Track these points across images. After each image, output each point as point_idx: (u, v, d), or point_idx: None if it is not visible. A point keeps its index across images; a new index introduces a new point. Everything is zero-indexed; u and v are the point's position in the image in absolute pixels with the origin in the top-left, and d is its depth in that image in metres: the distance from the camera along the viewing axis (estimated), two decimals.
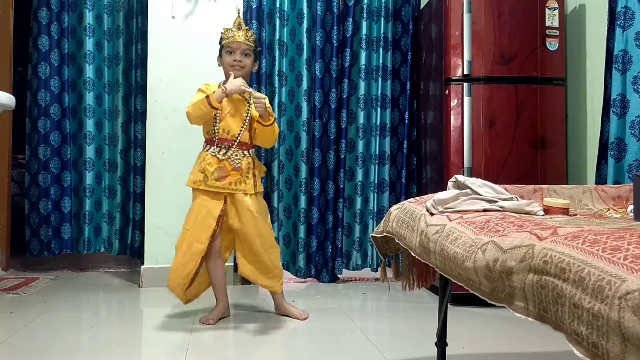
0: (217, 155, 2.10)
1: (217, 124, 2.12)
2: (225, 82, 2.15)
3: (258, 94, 2.13)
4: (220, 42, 2.20)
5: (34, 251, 3.09)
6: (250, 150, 2.18)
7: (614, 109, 2.07)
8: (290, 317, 2.24)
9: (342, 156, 3.01)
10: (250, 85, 2.82)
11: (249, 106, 2.15)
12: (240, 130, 2.12)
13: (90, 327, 2.16)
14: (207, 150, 2.14)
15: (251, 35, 2.18)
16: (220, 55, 2.20)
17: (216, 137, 2.12)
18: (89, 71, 3.11)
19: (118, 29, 3.14)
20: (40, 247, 3.08)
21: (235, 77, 2.11)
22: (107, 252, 3.19)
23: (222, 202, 2.12)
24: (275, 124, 2.20)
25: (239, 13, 2.24)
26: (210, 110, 2.07)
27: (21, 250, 3.66)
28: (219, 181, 2.09)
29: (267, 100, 2.18)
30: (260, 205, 2.20)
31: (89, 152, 3.13)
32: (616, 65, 2.07)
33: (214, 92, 2.07)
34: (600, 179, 2.14)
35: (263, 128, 2.15)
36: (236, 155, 2.12)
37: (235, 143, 2.12)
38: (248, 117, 2.14)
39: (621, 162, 2.05)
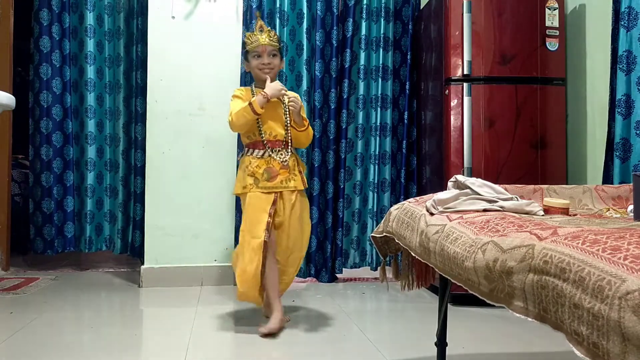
0: (264, 157, 2.13)
1: (261, 128, 2.14)
2: (257, 85, 2.20)
3: (292, 93, 2.19)
4: (243, 47, 2.23)
5: (38, 250, 3.10)
6: (292, 149, 2.21)
7: (619, 110, 2.07)
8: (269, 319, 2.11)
9: (343, 156, 3.01)
10: (250, 85, 2.83)
11: (285, 106, 2.18)
12: (286, 131, 2.16)
13: (91, 327, 2.16)
14: (251, 155, 2.15)
15: (274, 35, 2.19)
16: (246, 59, 2.23)
17: (264, 140, 2.14)
18: (90, 72, 3.10)
19: (119, 30, 3.14)
20: (44, 246, 3.09)
21: (265, 79, 2.14)
22: (109, 250, 3.20)
23: (272, 198, 2.11)
24: (310, 128, 2.23)
25: (259, 16, 2.26)
26: (253, 117, 2.09)
27: (22, 250, 3.67)
28: (270, 181, 2.12)
29: (300, 100, 2.22)
30: (303, 203, 2.24)
31: (91, 152, 3.13)
32: (620, 66, 2.07)
33: (252, 98, 2.09)
34: (607, 180, 2.14)
35: (297, 133, 2.18)
36: (282, 155, 2.15)
37: (288, 145, 2.16)
38: (288, 117, 2.17)
39: (627, 163, 2.05)
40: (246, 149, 2.19)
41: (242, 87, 2.22)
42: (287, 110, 2.16)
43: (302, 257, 2.30)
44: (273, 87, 2.12)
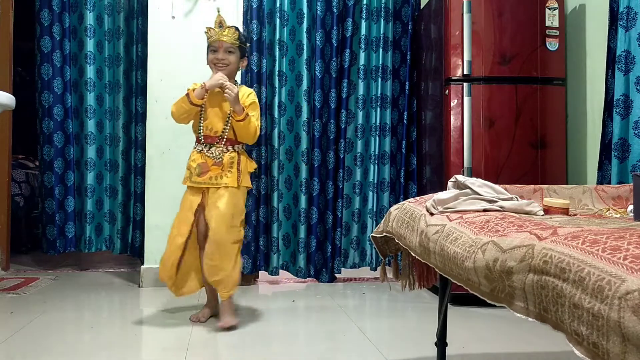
0: (201, 152, 2.14)
1: (201, 122, 2.15)
2: None
3: (231, 84, 2.09)
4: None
5: (42, 250, 3.12)
6: (237, 146, 2.18)
7: (617, 110, 2.07)
8: (218, 320, 2.14)
9: (342, 156, 3.01)
10: (250, 86, 2.83)
11: None
12: (225, 127, 2.14)
13: (91, 327, 2.16)
14: (194, 148, 2.18)
15: (234, 33, 2.15)
16: (207, 55, 2.21)
17: (201, 135, 2.15)
18: (90, 72, 3.10)
19: (118, 30, 3.14)
20: (47, 246, 3.10)
21: (217, 73, 2.13)
22: (109, 251, 3.20)
23: (199, 197, 2.15)
24: (251, 119, 2.12)
25: (218, 11, 2.21)
26: (191, 108, 2.10)
27: (24, 250, 3.68)
28: (200, 176, 2.12)
29: (252, 95, 2.19)
30: (233, 197, 2.12)
31: (90, 152, 3.13)
32: (619, 66, 2.07)
33: (194, 90, 2.10)
34: (603, 179, 2.14)
35: (236, 124, 2.12)
36: (219, 151, 2.13)
37: (223, 140, 2.13)
38: (230, 114, 2.14)
39: (625, 163, 2.05)
40: (195, 142, 2.20)
41: (198, 83, 2.17)
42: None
43: (235, 249, 2.12)
44: (213, 77, 2.12)
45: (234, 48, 2.16)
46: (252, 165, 2.26)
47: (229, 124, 2.14)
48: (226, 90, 2.07)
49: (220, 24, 2.15)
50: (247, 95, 2.20)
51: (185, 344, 1.91)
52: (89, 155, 3.12)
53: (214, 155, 2.12)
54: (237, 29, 2.18)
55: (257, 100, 2.24)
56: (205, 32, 2.19)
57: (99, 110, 3.15)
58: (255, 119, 2.15)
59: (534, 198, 1.53)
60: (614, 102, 2.08)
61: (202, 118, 2.15)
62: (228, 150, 2.15)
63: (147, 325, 2.23)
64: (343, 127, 3.01)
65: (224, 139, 2.14)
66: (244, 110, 2.11)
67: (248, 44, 2.32)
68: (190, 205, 2.16)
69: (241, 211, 2.20)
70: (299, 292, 2.78)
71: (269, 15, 2.95)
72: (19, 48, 3.28)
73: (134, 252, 3.09)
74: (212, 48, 2.17)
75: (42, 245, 3.14)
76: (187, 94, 2.10)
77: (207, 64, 2.23)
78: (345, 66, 2.99)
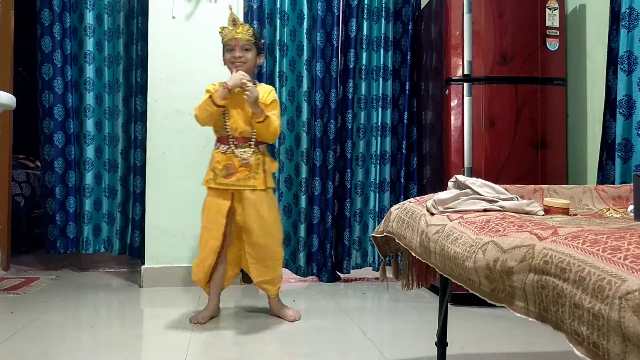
0: (226, 153, 2.12)
1: (227, 123, 2.12)
2: None
3: (252, 86, 2.08)
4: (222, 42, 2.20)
5: (43, 250, 3.12)
6: (261, 146, 2.17)
7: (620, 110, 2.07)
8: (282, 318, 2.23)
9: (345, 156, 3.01)
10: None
11: None
12: (252, 128, 2.12)
13: (91, 327, 2.16)
14: (217, 149, 2.15)
15: (248, 29, 2.15)
16: (223, 54, 2.21)
17: (230, 136, 2.12)
18: (89, 71, 3.10)
19: (118, 29, 3.14)
20: (48, 246, 3.10)
21: (237, 72, 2.11)
22: (108, 252, 3.19)
23: (229, 200, 2.12)
24: (272, 120, 2.12)
25: (231, 9, 2.21)
26: (216, 110, 2.08)
27: (24, 250, 3.68)
28: (227, 178, 2.10)
29: (272, 93, 2.19)
30: (268, 202, 2.18)
31: (89, 152, 3.13)
32: (622, 66, 2.07)
33: (216, 91, 2.08)
34: (605, 179, 2.14)
35: (257, 125, 2.11)
36: (245, 152, 2.11)
37: (252, 141, 2.13)
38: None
39: (628, 163, 2.05)
40: (215, 142, 2.18)
41: (216, 83, 2.17)
42: None
43: (280, 251, 2.24)
44: (234, 76, 2.09)
45: (250, 45, 2.15)
46: (275, 166, 2.28)
47: (254, 125, 2.13)
48: (246, 92, 2.06)
49: (234, 21, 2.14)
50: (268, 93, 2.19)
51: (185, 344, 1.91)
52: (87, 155, 3.12)
53: (242, 156, 2.11)
54: (251, 25, 2.18)
55: (277, 98, 2.24)
56: (220, 32, 2.18)
57: (98, 109, 3.15)
58: (275, 118, 2.15)
59: (534, 198, 1.53)
60: (617, 103, 2.08)
61: (226, 118, 2.12)
62: (254, 151, 2.13)
63: (147, 325, 2.23)
64: (344, 127, 3.01)
65: (253, 140, 2.13)
66: (263, 111, 2.10)
67: (262, 40, 2.31)
68: (219, 208, 2.12)
69: (276, 211, 2.26)
70: (300, 292, 2.78)
71: (269, 16, 2.95)
72: (20, 48, 3.28)
73: (133, 253, 3.08)
74: (228, 47, 2.15)
75: (43, 245, 3.14)
76: (211, 97, 2.06)
77: (224, 64, 2.22)
78: (347, 66, 2.99)
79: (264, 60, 2.33)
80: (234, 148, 2.11)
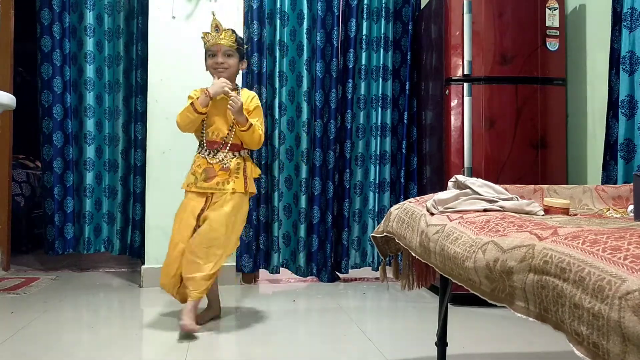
0: (207, 157, 2.12)
1: (205, 128, 2.13)
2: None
3: (235, 95, 2.07)
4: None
5: (41, 250, 3.12)
6: (242, 151, 2.17)
7: (622, 110, 2.07)
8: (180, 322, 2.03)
9: (345, 156, 3.01)
10: (251, 87, 2.84)
11: None
12: (229, 133, 2.12)
13: (91, 327, 2.16)
14: (199, 153, 2.16)
15: (230, 35, 2.14)
16: (205, 60, 2.20)
17: (204, 141, 2.13)
18: (90, 71, 3.11)
19: (118, 29, 3.14)
20: (46, 247, 3.10)
21: (219, 79, 2.11)
22: (108, 252, 3.20)
23: (204, 201, 2.11)
24: (255, 128, 2.11)
25: (214, 15, 2.20)
26: (197, 117, 2.08)
27: (24, 250, 3.68)
28: (207, 182, 2.10)
29: (255, 99, 2.18)
30: (239, 203, 2.11)
31: (89, 152, 3.13)
32: (624, 67, 2.07)
33: (198, 98, 2.07)
34: (609, 180, 2.14)
35: (241, 133, 2.11)
36: (225, 157, 2.12)
37: (228, 146, 2.12)
38: (234, 122, 2.12)
39: (631, 163, 2.05)
40: (198, 146, 2.18)
41: (198, 89, 2.17)
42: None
43: (223, 256, 2.09)
44: (216, 84, 2.09)
45: (232, 51, 2.15)
46: (257, 171, 2.26)
47: (233, 130, 2.12)
48: (230, 103, 2.05)
49: (217, 27, 2.13)
50: (251, 99, 2.19)
51: (185, 344, 1.91)
52: (88, 155, 3.12)
53: (221, 160, 2.11)
54: (233, 31, 2.16)
55: (260, 104, 2.23)
56: (202, 37, 2.18)
57: (98, 109, 3.15)
58: (259, 125, 2.15)
59: (534, 198, 1.53)
60: (619, 103, 2.08)
61: (205, 124, 2.13)
62: (234, 156, 2.13)
63: (147, 325, 2.23)
64: (344, 127, 3.01)
65: (228, 145, 2.12)
66: (247, 120, 2.09)
67: (246, 46, 2.30)
68: (192, 209, 2.11)
69: (243, 218, 2.18)
70: (300, 292, 2.78)
71: (269, 16, 2.95)
72: (20, 48, 3.28)
73: (133, 252, 3.08)
74: (210, 52, 2.15)
75: (42, 246, 3.14)
76: (192, 104, 2.06)
77: (207, 70, 2.22)
78: (347, 66, 2.99)
79: (246, 66, 2.31)
80: (212, 152, 2.11)
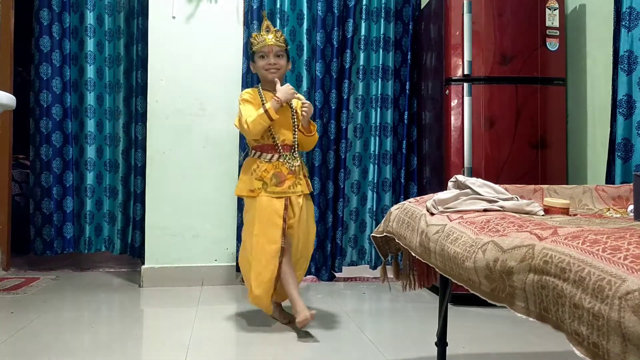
0: (272, 161, 2.12)
1: (274, 133, 2.13)
2: (264, 86, 2.18)
3: (308, 102, 2.17)
4: (250, 48, 2.21)
5: (37, 251, 3.10)
6: (298, 153, 2.21)
7: (620, 110, 2.07)
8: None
9: (343, 156, 3.01)
10: (251, 86, 2.83)
11: (292, 110, 2.17)
12: (294, 136, 2.16)
13: (91, 327, 2.16)
14: (258, 158, 2.14)
15: (280, 36, 2.18)
16: (253, 60, 2.21)
17: (278, 145, 2.13)
18: (90, 71, 3.10)
19: (119, 30, 3.14)
20: (44, 247, 3.09)
21: (272, 80, 2.13)
22: (109, 251, 3.20)
23: (284, 203, 2.10)
24: (316, 133, 2.24)
25: (265, 16, 2.25)
26: (269, 123, 2.08)
27: (24, 250, 3.67)
28: (279, 186, 2.10)
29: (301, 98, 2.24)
30: (309, 207, 2.22)
31: (90, 152, 3.13)
32: (622, 66, 2.07)
33: (267, 105, 2.06)
34: (610, 180, 2.14)
35: (305, 138, 2.18)
36: (290, 159, 2.14)
37: (296, 149, 2.16)
38: (295, 121, 2.16)
39: (628, 163, 2.05)
40: (253, 151, 2.16)
41: (250, 89, 2.19)
42: (294, 113, 2.16)
43: (309, 260, 2.27)
44: (285, 90, 2.11)
45: (283, 52, 2.17)
46: (307, 170, 2.31)
47: (296, 133, 2.16)
48: (304, 109, 2.12)
49: (267, 28, 2.16)
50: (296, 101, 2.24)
51: (185, 344, 1.91)
52: (88, 155, 3.12)
53: (291, 164, 2.13)
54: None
55: None
56: (252, 39, 2.20)
57: (98, 110, 3.15)
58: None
59: (534, 198, 1.53)
60: (617, 102, 2.08)
61: (272, 128, 2.12)
62: (295, 158, 2.17)
63: (147, 325, 2.23)
64: (344, 127, 3.01)
65: (294, 148, 2.17)
66: (314, 126, 2.20)
67: (289, 46, 2.34)
68: (275, 211, 2.07)
69: (313, 212, 2.31)
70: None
71: (269, 16, 2.94)
72: (17, 48, 3.27)
73: (134, 252, 3.09)
74: (261, 53, 2.15)
75: (35, 247, 3.08)
76: (267, 111, 2.04)
77: (254, 71, 2.25)
78: (347, 66, 2.99)
79: (291, 66, 2.34)
80: (281, 157, 2.13)
